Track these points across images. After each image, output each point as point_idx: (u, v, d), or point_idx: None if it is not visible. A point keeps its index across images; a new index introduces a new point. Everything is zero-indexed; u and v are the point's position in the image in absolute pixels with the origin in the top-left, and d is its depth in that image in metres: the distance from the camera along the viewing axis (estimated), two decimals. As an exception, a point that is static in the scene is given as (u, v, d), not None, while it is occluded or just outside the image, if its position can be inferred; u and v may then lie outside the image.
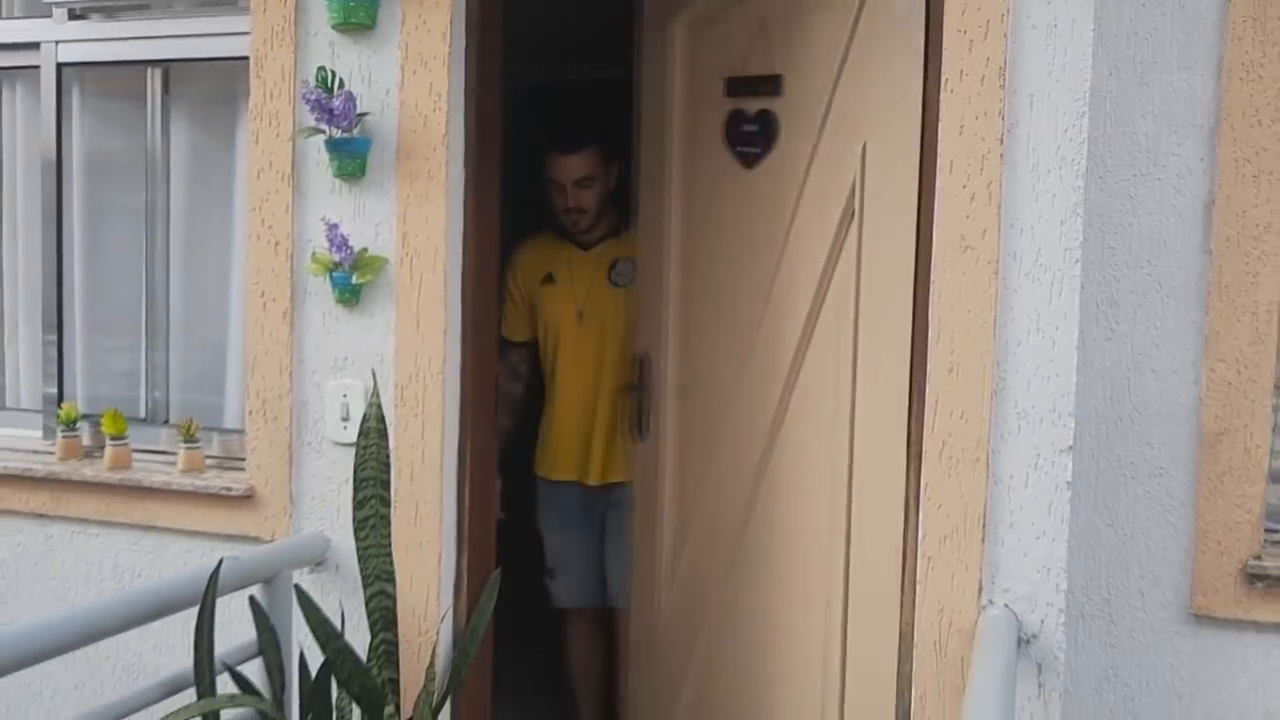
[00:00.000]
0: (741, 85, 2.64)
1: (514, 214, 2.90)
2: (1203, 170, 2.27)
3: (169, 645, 2.73)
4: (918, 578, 2.17)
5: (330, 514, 2.57)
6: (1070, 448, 2.07)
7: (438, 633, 2.45)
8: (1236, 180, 2.23)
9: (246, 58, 2.62)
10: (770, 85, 2.57)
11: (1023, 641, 2.10)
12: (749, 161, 2.63)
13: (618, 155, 3.16)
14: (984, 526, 2.12)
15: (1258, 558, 2.24)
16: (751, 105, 2.62)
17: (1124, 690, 2.35)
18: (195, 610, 2.13)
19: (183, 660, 2.26)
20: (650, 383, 2.93)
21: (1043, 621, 2.10)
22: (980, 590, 2.12)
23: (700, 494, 2.81)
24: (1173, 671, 2.32)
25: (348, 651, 2.25)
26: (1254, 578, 2.23)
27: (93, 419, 2.95)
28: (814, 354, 2.51)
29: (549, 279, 3.23)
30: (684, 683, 2.87)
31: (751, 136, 2.62)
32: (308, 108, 2.43)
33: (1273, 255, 2.22)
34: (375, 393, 2.31)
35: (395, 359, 2.49)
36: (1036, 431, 2.09)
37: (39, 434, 3.10)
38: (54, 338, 3.12)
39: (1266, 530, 2.27)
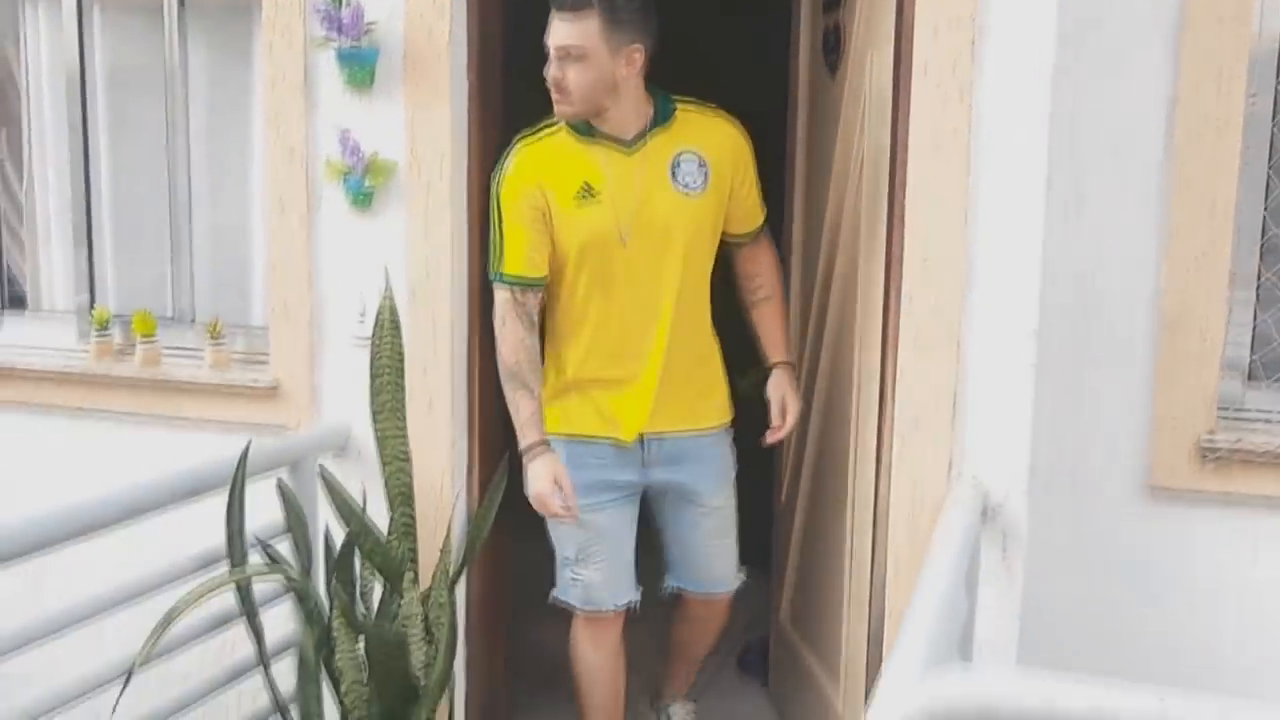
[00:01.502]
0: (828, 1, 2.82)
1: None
2: (1168, 70, 2.38)
3: (208, 533, 2.93)
4: (893, 457, 2.34)
5: (350, 405, 2.74)
6: (1034, 332, 2.23)
7: (452, 511, 2.64)
8: (1199, 79, 2.35)
9: (259, -29, 2.74)
10: (838, -2, 2.73)
11: (988, 512, 2.27)
12: (832, 68, 2.80)
13: (640, 40, 2.41)
14: (954, 408, 2.28)
15: (1211, 434, 2.40)
16: (832, 19, 2.79)
17: (1085, 558, 2.53)
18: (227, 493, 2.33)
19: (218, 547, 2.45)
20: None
21: (1007, 493, 2.27)
22: (950, 465, 2.30)
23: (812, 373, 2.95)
24: (1130, 541, 2.50)
25: (369, 527, 2.44)
26: (1206, 452, 2.40)
27: (123, 319, 3.14)
28: (848, 250, 2.68)
29: (587, 192, 2.45)
30: (790, 552, 3.15)
31: (831, 45, 2.78)
32: (318, 20, 2.55)
33: (1231, 150, 2.34)
34: (388, 288, 2.47)
35: (407, 259, 2.65)
36: (1003, 318, 2.24)
37: (73, 336, 3.28)
38: (84, 247, 3.30)
39: (1219, 410, 2.43)
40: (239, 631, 2.49)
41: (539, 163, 2.47)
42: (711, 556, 2.68)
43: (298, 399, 2.80)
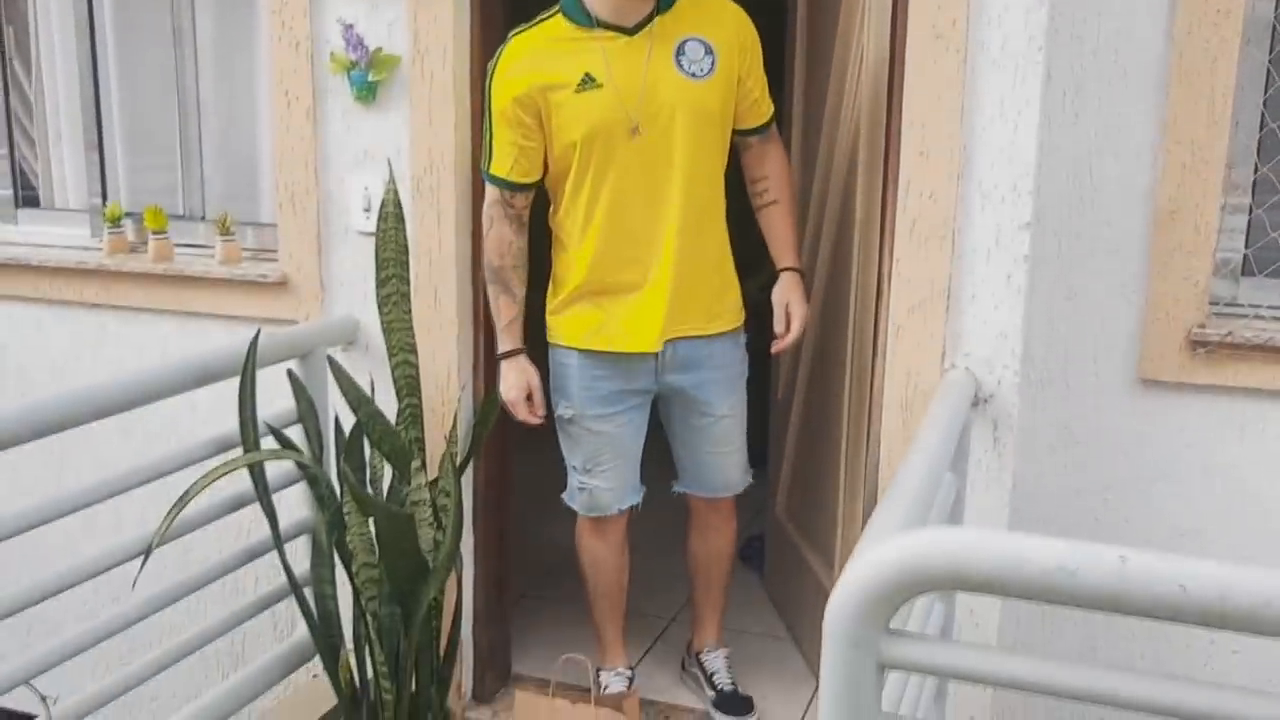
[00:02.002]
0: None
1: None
2: (1170, -40, 2.38)
3: (222, 423, 3.01)
4: (887, 345, 2.39)
5: (358, 298, 2.80)
6: (1028, 224, 2.26)
7: (459, 402, 2.71)
8: (1200, -31, 2.34)
9: None
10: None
11: (981, 400, 2.33)
12: None
13: None
14: (948, 297, 2.32)
15: (1201, 326, 2.44)
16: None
17: (1076, 448, 2.59)
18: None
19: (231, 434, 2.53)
20: None
21: (999, 382, 2.32)
22: (943, 355, 2.34)
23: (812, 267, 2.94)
24: (1120, 431, 2.56)
25: (378, 415, 2.51)
26: (1197, 344, 2.44)
27: (135, 215, 3.19)
28: (848, 142, 2.71)
29: (588, 82, 2.37)
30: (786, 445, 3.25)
31: None
32: (320, -88, 2.56)
33: (1230, 40, 2.34)
34: (391, 180, 2.51)
35: (411, 152, 2.67)
36: (998, 209, 2.27)
37: (87, 232, 3.34)
38: (95, 145, 3.35)
39: (1210, 302, 2.47)
40: (254, 518, 2.58)
41: (533, 55, 2.40)
42: (717, 464, 2.68)
43: (306, 292, 2.85)
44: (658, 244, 2.44)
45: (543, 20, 2.44)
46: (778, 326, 2.61)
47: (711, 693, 2.82)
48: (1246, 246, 2.51)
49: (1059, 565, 1.23)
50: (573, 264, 2.51)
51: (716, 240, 2.54)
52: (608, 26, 2.39)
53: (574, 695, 2.53)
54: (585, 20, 2.40)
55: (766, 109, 2.56)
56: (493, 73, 2.43)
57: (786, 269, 2.61)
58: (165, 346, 3.07)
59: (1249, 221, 2.51)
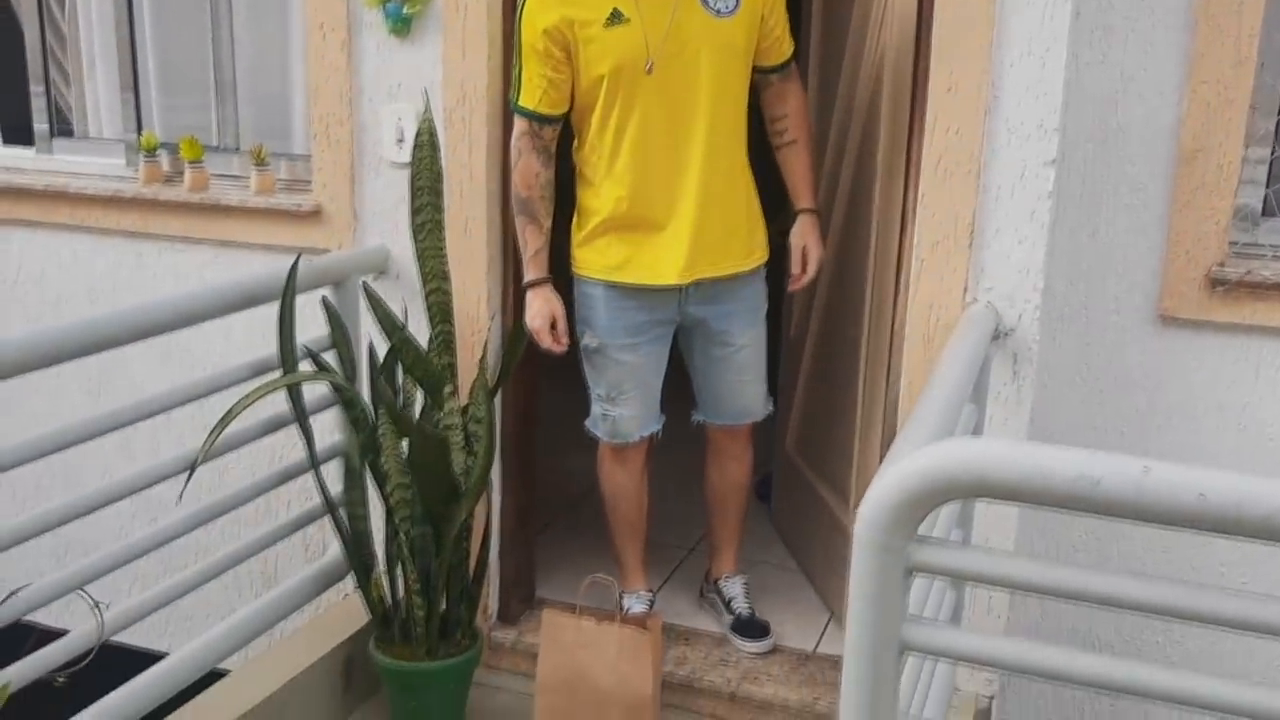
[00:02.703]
0: None
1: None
2: (1200, -101, 2.39)
3: (255, 352, 3.07)
4: (910, 279, 2.44)
5: (390, 228, 2.85)
6: (1053, 161, 2.29)
7: (489, 331, 2.77)
8: (1231, -92, 2.36)
9: None
10: None
11: (1001, 334, 2.38)
12: None
13: None
14: (972, 232, 2.37)
15: (1221, 265, 2.48)
16: None
17: (1095, 383, 2.64)
18: (274, 309, 2.44)
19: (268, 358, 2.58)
20: None
21: (1020, 316, 2.37)
22: (965, 290, 2.39)
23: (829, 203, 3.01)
24: (1139, 367, 2.61)
25: (411, 340, 2.57)
26: (1216, 283, 2.48)
27: (171, 146, 3.24)
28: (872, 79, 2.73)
29: (615, 18, 2.44)
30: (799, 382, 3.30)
31: None
32: None
33: (1258, -19, 2.37)
34: (427, 109, 2.55)
35: (443, 85, 2.71)
36: (1024, 146, 2.31)
37: (122, 162, 3.39)
38: (130, 78, 3.39)
39: (1231, 242, 2.51)
40: (286, 445, 2.65)
41: None
42: (736, 393, 2.73)
43: (339, 222, 2.90)
44: (683, 178, 2.50)
45: None
46: (794, 268, 2.70)
47: (729, 617, 2.90)
48: (1268, 185, 2.54)
49: (1083, 474, 1.28)
50: (598, 198, 2.57)
51: (742, 176, 2.60)
52: None
53: (599, 615, 2.61)
54: None
55: (787, 47, 2.61)
56: (524, 5, 2.47)
57: (804, 210, 2.69)
58: (201, 274, 3.14)
59: (1270, 163, 2.54)
